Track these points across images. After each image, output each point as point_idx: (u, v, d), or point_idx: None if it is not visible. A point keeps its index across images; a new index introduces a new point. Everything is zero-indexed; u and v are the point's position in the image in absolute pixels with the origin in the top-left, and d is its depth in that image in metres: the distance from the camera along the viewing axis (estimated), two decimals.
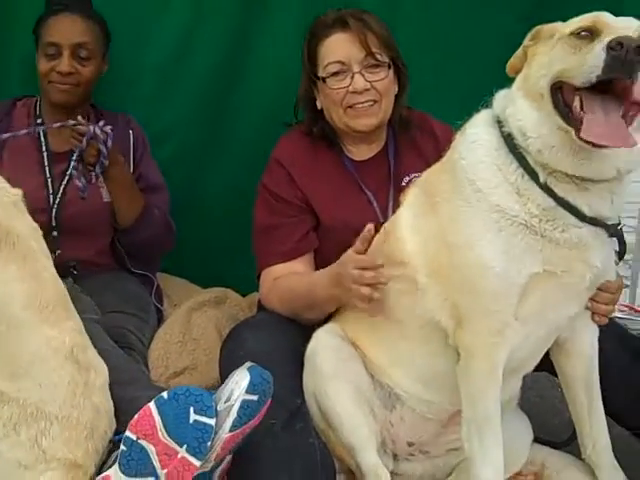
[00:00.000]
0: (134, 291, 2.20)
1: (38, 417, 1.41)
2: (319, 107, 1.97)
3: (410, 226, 1.63)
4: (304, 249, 1.94)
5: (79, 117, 1.99)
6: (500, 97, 1.57)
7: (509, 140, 1.48)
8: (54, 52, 2.13)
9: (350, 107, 1.89)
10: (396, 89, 1.97)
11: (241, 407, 1.44)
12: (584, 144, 1.37)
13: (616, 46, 1.31)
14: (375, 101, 1.89)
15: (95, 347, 1.62)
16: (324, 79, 1.90)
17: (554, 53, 1.45)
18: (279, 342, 1.80)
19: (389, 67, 1.91)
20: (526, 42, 1.55)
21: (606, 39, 1.33)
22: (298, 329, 1.86)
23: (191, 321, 2.19)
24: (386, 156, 2.00)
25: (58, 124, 1.99)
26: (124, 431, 1.52)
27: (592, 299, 1.60)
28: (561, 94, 1.43)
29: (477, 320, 1.50)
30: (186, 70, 2.48)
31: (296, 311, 1.87)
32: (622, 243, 1.57)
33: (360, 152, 2.00)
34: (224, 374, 1.90)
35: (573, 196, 1.45)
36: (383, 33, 1.92)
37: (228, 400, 1.45)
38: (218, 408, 1.44)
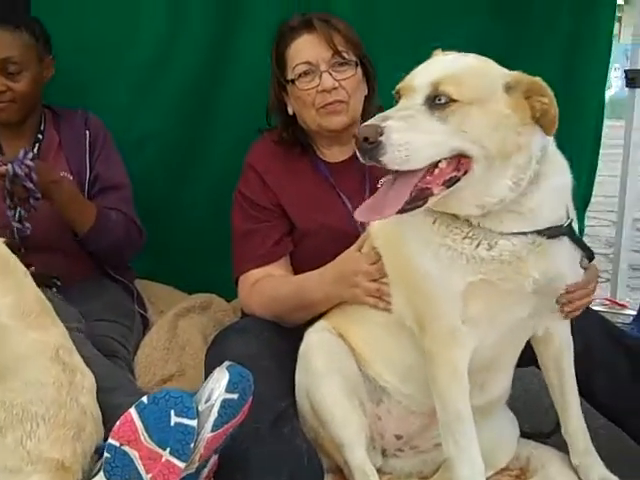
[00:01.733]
0: (117, 299, 2.20)
1: (24, 418, 1.42)
2: (290, 112, 1.98)
3: (377, 229, 1.69)
4: (280, 253, 1.95)
5: None
6: None
7: None
8: None
9: (322, 107, 1.90)
10: (365, 89, 1.98)
11: (222, 406, 1.44)
12: None
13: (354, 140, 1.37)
14: (344, 100, 1.90)
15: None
16: (293, 81, 1.91)
17: None
18: (264, 345, 1.80)
19: (356, 65, 1.93)
20: None
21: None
22: (282, 332, 1.87)
23: (177, 327, 2.20)
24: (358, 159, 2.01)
25: None
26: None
27: (563, 302, 1.60)
28: None
29: (430, 324, 1.54)
30: (164, 76, 2.50)
31: (279, 314, 1.88)
32: (579, 242, 1.57)
33: (334, 154, 2.00)
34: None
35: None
36: (348, 33, 1.93)
37: (208, 400, 1.46)
38: (199, 409, 1.45)
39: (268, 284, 1.90)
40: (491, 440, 1.67)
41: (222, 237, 2.57)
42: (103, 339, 1.95)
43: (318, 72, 1.89)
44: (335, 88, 1.88)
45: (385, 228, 1.65)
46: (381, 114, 1.38)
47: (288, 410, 1.68)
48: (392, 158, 1.34)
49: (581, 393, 1.72)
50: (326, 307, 1.80)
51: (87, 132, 2.23)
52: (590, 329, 1.80)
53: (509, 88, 1.41)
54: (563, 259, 1.52)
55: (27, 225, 1.99)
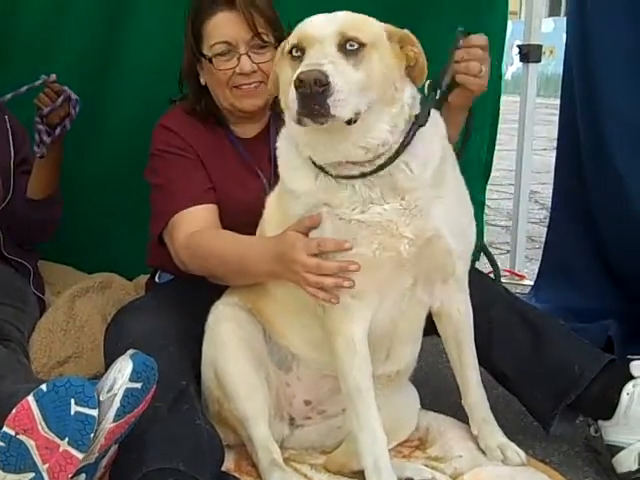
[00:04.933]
0: (11, 281, 2.10)
1: None
2: (203, 83, 1.94)
3: (270, 215, 1.71)
4: (212, 198, 1.88)
5: (53, 75, 1.96)
6: None
7: None
8: None
9: (236, 87, 1.88)
10: None
11: (125, 396, 1.42)
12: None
13: (299, 84, 1.33)
14: (261, 82, 1.87)
15: None
16: (210, 59, 1.87)
17: (282, 76, 1.50)
18: (162, 324, 1.77)
19: (275, 48, 1.91)
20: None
21: (300, 68, 1.36)
22: (182, 309, 1.84)
23: (75, 308, 2.14)
24: (268, 136, 2.01)
25: (25, 87, 1.94)
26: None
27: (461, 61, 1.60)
28: None
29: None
30: (57, 47, 2.39)
31: (217, 274, 1.80)
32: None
33: (244, 130, 1.99)
34: (108, 361, 1.86)
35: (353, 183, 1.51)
36: (269, 13, 1.90)
37: (111, 389, 1.42)
38: (101, 398, 1.41)
39: (207, 239, 1.80)
40: (394, 413, 1.71)
41: (122, 215, 2.54)
42: None
43: (236, 53, 1.86)
44: (254, 71, 1.86)
45: (276, 211, 1.67)
46: (308, 62, 1.37)
47: (188, 388, 1.66)
48: (338, 103, 1.34)
49: (481, 362, 1.77)
50: (269, 280, 1.72)
51: (5, 117, 2.20)
52: (492, 301, 1.86)
53: (389, 37, 1.48)
54: (440, 218, 1.56)
55: (43, 149, 2.02)
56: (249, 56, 1.86)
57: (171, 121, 1.95)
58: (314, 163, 1.53)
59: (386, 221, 1.52)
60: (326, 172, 1.52)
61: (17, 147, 2.21)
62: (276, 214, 1.70)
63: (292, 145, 1.57)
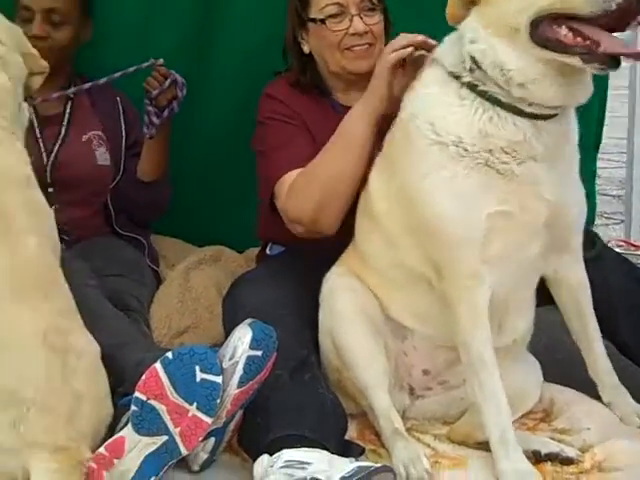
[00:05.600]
0: (127, 254, 2.18)
1: (13, 402, 1.34)
2: (306, 51, 1.94)
3: (376, 189, 1.70)
4: None
5: (161, 60, 2.02)
6: (448, 49, 1.59)
7: (473, 87, 1.52)
8: (28, 16, 2.11)
9: (347, 49, 1.87)
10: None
11: (246, 363, 1.45)
12: (597, 65, 1.42)
13: None
14: (371, 44, 1.87)
15: (94, 312, 1.60)
16: (322, 21, 1.86)
17: None
18: (280, 294, 1.78)
19: (381, 11, 1.90)
20: None
21: None
22: (296, 279, 1.85)
23: (190, 280, 2.18)
24: None
25: (133, 68, 1.99)
26: (132, 394, 1.54)
27: None
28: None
29: (449, 268, 1.55)
30: (159, 29, 2.42)
31: (323, 191, 1.77)
32: None
33: (349, 99, 1.95)
34: (228, 330, 1.90)
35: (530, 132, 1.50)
36: None
37: (232, 357, 1.45)
38: (223, 366, 1.44)
39: (302, 172, 1.81)
40: (516, 384, 1.66)
41: (230, 189, 2.57)
42: (117, 294, 1.92)
43: (348, 14, 1.85)
44: (366, 32, 1.85)
45: (389, 186, 1.66)
46: None
47: (309, 358, 1.68)
48: None
49: (602, 332, 1.72)
50: (370, 139, 1.76)
51: (117, 98, 2.28)
52: (610, 270, 1.81)
53: None
54: (570, 186, 1.57)
55: (153, 130, 2.07)
56: (361, 17, 1.85)
57: (276, 90, 1.97)
58: (495, 102, 1.50)
59: (534, 178, 1.49)
60: (518, 111, 1.49)
61: (128, 129, 2.28)
62: (382, 189, 1.68)
63: (449, 88, 1.55)
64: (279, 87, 1.98)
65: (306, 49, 1.94)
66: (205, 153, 2.55)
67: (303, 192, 1.80)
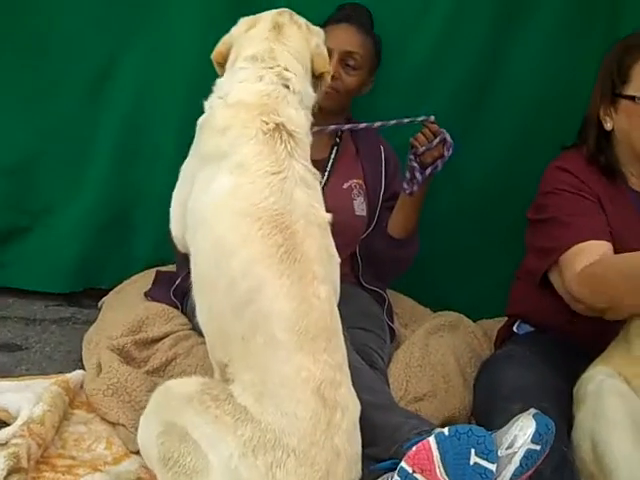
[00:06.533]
0: (371, 307, 2.17)
1: (275, 446, 1.35)
2: (608, 128, 1.86)
3: None
4: (610, 240, 1.74)
5: (432, 117, 2.00)
6: None
7: None
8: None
9: None
10: None
11: (524, 456, 1.37)
12: None
13: None
14: None
15: (352, 366, 1.55)
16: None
17: None
18: (539, 380, 1.71)
19: None
20: None
21: None
22: (550, 364, 1.78)
23: (428, 345, 2.13)
24: None
25: (408, 119, 1.99)
26: (385, 457, 1.51)
27: None
28: None
29: None
30: (438, 81, 2.42)
31: (618, 296, 1.62)
32: None
33: None
34: (480, 407, 1.86)
35: None
36: None
37: (510, 447, 1.38)
38: (499, 453, 1.38)
39: (601, 262, 1.67)
40: None
41: (468, 254, 2.52)
42: (363, 348, 1.91)
43: None
44: None
45: None
46: None
47: (568, 454, 1.59)
48: None
49: None
50: None
51: (381, 147, 2.28)
52: None
53: None
54: None
55: (414, 187, 2.05)
56: None
57: (567, 163, 1.89)
58: None
59: None
60: None
61: (388, 180, 2.26)
62: None
63: None
64: (573, 161, 1.89)
65: (609, 126, 1.86)
66: (453, 215, 2.50)
67: (604, 278, 1.65)
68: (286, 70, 1.63)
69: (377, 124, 2.01)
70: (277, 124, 1.53)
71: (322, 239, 1.52)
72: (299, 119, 1.59)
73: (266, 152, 1.48)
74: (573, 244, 1.73)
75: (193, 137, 2.51)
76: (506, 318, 2.14)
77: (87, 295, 2.60)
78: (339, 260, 1.58)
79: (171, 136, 2.54)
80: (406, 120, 1.99)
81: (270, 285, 1.41)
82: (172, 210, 1.69)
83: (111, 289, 2.55)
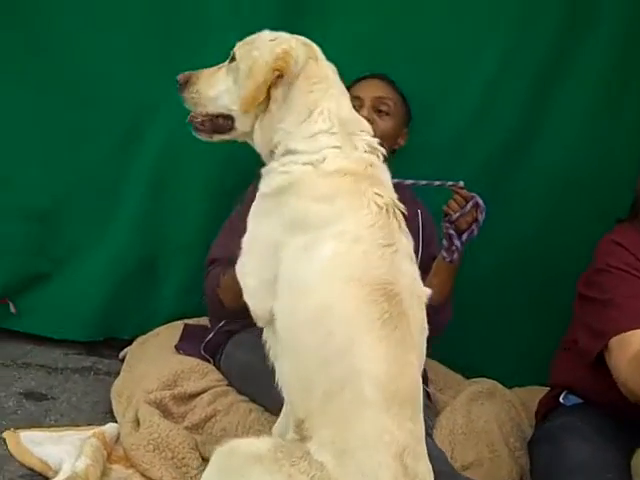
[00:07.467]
0: None
1: None
2: None
3: None
4: None
5: (461, 182, 1.98)
6: None
7: None
8: (358, 105, 2.15)
9: None
10: None
11: None
12: None
13: None
14: None
15: None
16: None
17: None
18: (598, 452, 1.68)
19: None
20: None
21: None
22: (606, 436, 1.75)
23: (472, 413, 2.09)
24: None
25: (438, 182, 1.98)
26: None
27: None
28: None
29: None
30: (471, 148, 2.45)
31: None
32: None
33: None
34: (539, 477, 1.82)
35: None
36: None
37: None
38: None
39: None
40: None
41: (502, 321, 2.51)
42: None
43: None
44: None
45: None
46: None
47: None
48: None
49: None
50: None
51: (419, 210, 2.27)
52: None
53: None
54: None
55: (454, 255, 2.03)
56: None
57: (621, 237, 1.89)
58: None
59: None
60: None
61: (424, 245, 2.22)
62: None
63: None
64: (626, 234, 1.90)
65: None
66: (479, 282, 2.49)
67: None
68: (371, 136, 1.64)
69: (408, 182, 1.98)
70: (392, 199, 1.54)
71: (421, 311, 1.51)
72: None
73: (380, 224, 1.48)
74: (627, 329, 1.73)
75: (219, 189, 2.58)
76: (539, 387, 2.12)
77: (107, 345, 2.53)
78: (427, 330, 1.54)
79: (198, 188, 2.54)
80: (437, 183, 1.98)
81: (367, 344, 1.38)
82: (247, 282, 1.57)
83: (132, 340, 2.49)
